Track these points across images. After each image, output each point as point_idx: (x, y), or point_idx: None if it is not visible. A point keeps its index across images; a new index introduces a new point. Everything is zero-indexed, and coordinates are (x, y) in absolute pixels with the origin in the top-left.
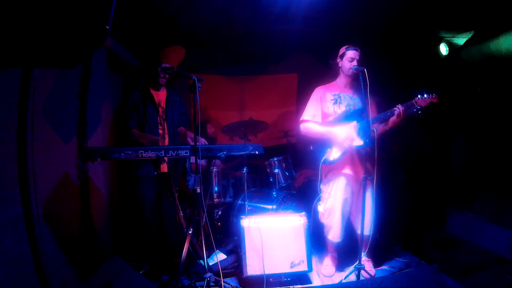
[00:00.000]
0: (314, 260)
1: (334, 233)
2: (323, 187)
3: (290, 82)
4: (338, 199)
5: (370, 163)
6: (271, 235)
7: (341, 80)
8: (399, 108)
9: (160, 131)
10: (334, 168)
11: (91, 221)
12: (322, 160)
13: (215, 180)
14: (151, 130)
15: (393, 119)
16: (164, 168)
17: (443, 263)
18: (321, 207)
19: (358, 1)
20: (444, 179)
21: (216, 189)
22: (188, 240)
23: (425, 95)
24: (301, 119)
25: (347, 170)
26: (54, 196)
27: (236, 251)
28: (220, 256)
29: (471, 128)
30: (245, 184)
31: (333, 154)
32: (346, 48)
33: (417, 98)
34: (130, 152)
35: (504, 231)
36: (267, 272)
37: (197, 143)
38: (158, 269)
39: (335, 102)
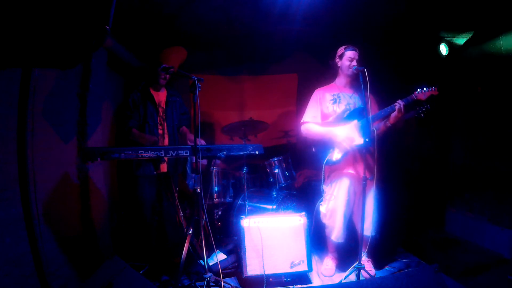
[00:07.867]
0: (314, 260)
1: (336, 234)
2: (325, 188)
3: (290, 82)
4: (341, 200)
5: (371, 163)
6: (271, 235)
7: (341, 80)
8: (399, 103)
9: (160, 131)
10: (337, 168)
11: (91, 221)
12: (325, 161)
13: (215, 180)
14: (151, 130)
15: (394, 114)
16: (164, 168)
17: (443, 263)
18: (323, 208)
19: (358, 1)
20: (444, 179)
21: (216, 189)
22: (188, 240)
23: (425, 89)
24: (301, 121)
25: (350, 170)
26: (54, 196)
27: (236, 251)
28: (220, 256)
29: (471, 128)
30: (245, 184)
31: (336, 155)
32: (345, 48)
33: (417, 92)
34: (130, 152)
35: (504, 231)
36: (267, 272)
37: (197, 143)
38: (158, 269)
39: (335, 102)
